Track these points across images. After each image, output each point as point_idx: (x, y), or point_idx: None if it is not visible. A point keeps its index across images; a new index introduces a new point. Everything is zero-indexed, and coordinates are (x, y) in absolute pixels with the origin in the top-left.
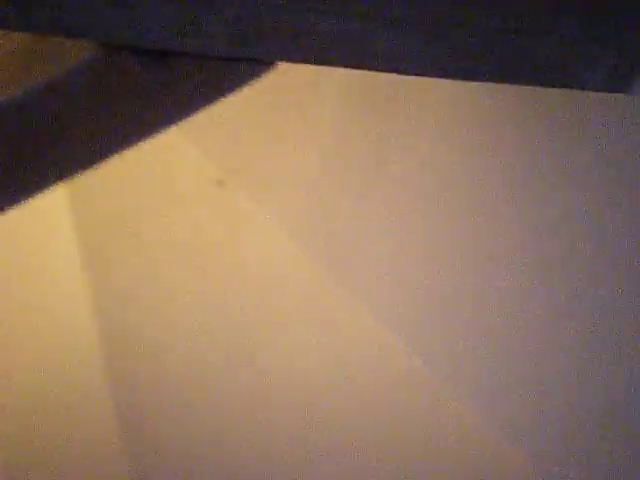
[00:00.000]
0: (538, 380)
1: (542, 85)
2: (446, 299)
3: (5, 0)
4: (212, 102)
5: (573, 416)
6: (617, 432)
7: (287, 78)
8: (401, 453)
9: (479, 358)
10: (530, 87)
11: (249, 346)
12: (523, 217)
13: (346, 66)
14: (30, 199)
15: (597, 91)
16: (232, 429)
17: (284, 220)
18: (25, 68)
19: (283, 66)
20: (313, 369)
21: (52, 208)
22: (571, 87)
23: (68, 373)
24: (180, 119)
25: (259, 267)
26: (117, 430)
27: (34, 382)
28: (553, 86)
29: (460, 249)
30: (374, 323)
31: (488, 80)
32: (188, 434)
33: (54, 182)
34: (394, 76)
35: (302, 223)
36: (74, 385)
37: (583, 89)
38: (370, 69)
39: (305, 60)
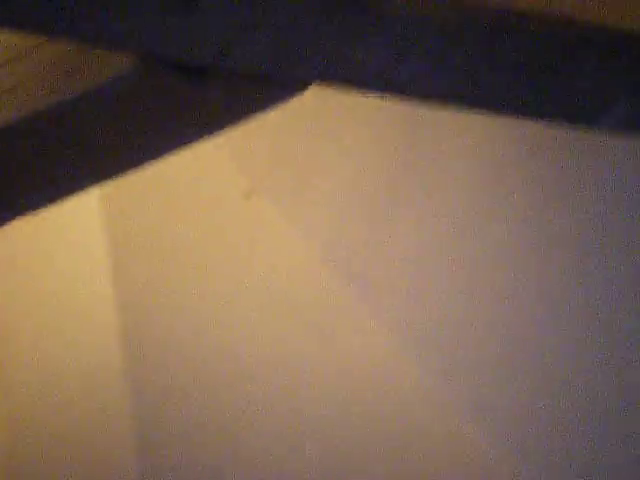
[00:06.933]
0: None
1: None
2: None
3: (51, 8)
4: (244, 119)
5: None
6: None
7: (321, 103)
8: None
9: (495, 377)
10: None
11: (256, 353)
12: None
13: (374, 92)
14: (63, 201)
15: (613, 131)
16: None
17: (307, 235)
18: (64, 78)
19: (320, 91)
20: (318, 380)
21: (85, 211)
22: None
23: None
24: (212, 133)
25: (277, 275)
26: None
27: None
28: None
29: (485, 278)
30: (386, 338)
31: (503, 113)
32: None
33: (88, 186)
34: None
35: (324, 239)
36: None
37: (601, 128)
38: (396, 96)
39: (338, 83)
